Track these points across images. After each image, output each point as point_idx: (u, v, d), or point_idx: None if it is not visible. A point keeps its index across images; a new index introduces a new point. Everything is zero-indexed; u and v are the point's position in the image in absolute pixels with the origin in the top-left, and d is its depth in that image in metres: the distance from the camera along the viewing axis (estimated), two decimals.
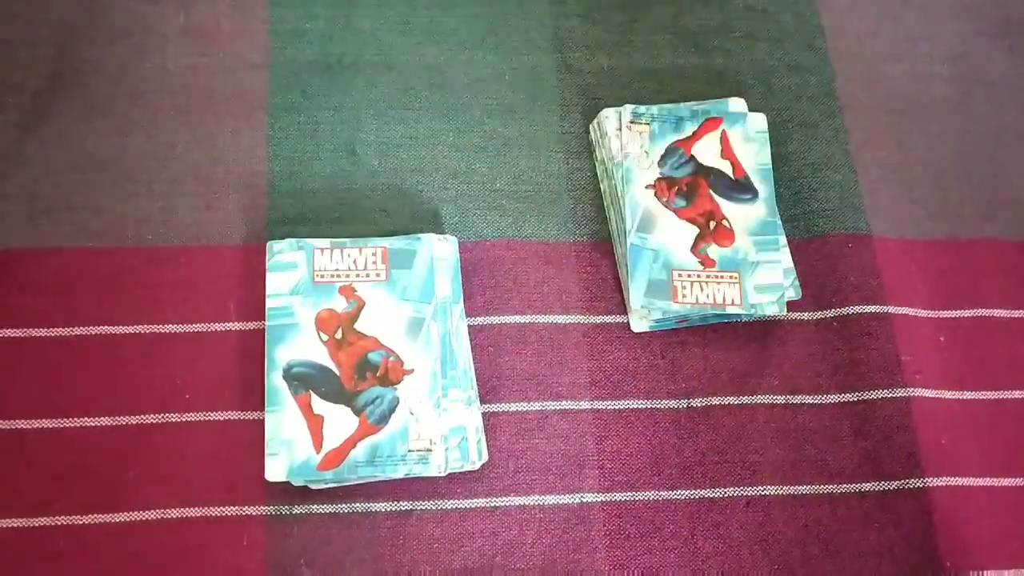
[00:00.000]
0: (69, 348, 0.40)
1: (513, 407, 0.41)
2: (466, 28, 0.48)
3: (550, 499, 0.40)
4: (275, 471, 0.37)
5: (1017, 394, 0.44)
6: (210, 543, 0.38)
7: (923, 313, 0.45)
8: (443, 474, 0.37)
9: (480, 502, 0.39)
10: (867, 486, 0.41)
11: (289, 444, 0.37)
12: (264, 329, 0.39)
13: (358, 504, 0.39)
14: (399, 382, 0.38)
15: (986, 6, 0.52)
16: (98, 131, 0.44)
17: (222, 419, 0.40)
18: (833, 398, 0.43)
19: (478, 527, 0.39)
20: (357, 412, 0.38)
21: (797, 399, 0.42)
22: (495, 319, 0.42)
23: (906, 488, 0.41)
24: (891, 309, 0.44)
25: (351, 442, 0.37)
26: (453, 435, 0.38)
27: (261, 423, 0.39)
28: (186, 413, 0.40)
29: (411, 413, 0.38)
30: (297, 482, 0.37)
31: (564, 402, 0.41)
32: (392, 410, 0.38)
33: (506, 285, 0.43)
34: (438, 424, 0.37)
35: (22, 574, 0.37)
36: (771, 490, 0.41)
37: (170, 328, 0.41)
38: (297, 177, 0.44)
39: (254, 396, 0.39)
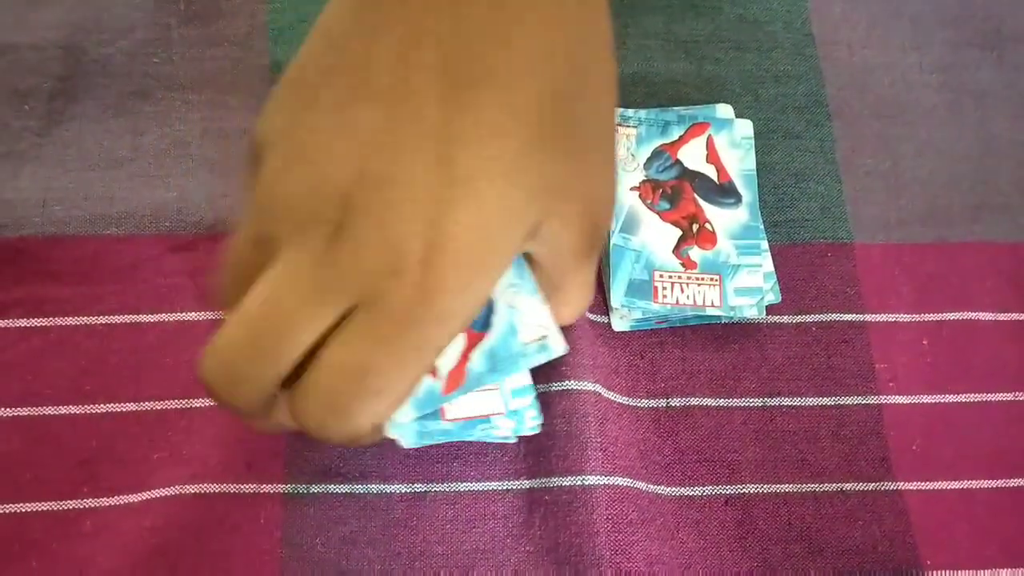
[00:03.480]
0: (94, 336, 0.41)
1: None
2: None
3: (554, 480, 0.40)
4: (402, 413, 0.34)
5: (1001, 396, 0.44)
6: (228, 519, 0.39)
7: (905, 318, 0.45)
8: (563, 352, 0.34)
9: (493, 485, 0.40)
10: (848, 485, 0.41)
11: None
12: None
13: (373, 485, 0.40)
14: None
15: (976, 17, 0.52)
16: (112, 131, 0.45)
17: None
18: (811, 401, 0.43)
19: (489, 509, 0.40)
20: None
21: (775, 402, 0.43)
22: None
23: (882, 490, 0.41)
24: (868, 317, 0.45)
25: (464, 357, 0.34)
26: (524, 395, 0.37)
27: None
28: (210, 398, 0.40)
29: (511, 307, 0.34)
30: (427, 411, 0.34)
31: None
32: (491, 311, 0.34)
33: None
34: (543, 309, 0.34)
35: (45, 554, 0.38)
36: (751, 488, 0.41)
37: (192, 316, 0.42)
38: None
39: None
